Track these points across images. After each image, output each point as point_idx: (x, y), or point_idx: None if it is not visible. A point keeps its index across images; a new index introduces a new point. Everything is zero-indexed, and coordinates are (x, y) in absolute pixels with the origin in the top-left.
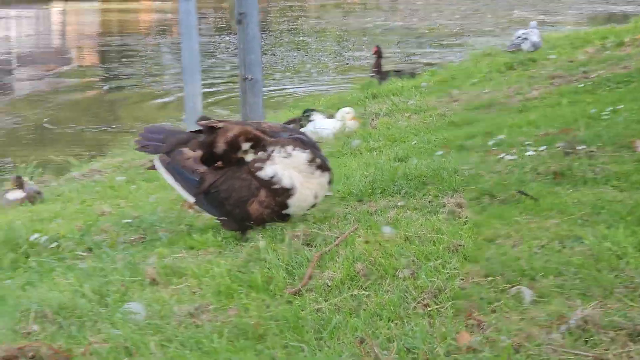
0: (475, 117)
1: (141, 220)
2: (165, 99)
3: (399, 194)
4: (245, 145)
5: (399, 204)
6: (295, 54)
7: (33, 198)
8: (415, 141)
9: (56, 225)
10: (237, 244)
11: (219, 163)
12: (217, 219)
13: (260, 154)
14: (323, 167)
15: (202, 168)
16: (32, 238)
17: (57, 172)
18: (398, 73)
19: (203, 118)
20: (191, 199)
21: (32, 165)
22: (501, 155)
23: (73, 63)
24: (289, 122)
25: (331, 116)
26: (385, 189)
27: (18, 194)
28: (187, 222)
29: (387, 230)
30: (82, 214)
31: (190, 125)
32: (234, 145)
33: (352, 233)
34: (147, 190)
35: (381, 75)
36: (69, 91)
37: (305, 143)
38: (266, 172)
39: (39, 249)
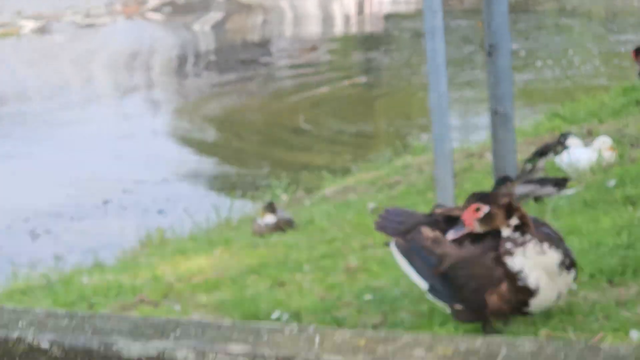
0: None
1: (383, 296)
2: (424, 94)
3: None
4: (514, 220)
5: None
6: (557, 39)
7: (285, 224)
8: None
9: (299, 295)
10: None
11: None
12: (450, 309)
13: (517, 235)
14: (569, 266)
15: (442, 249)
16: (273, 317)
17: (309, 187)
18: None
19: (438, 206)
20: (424, 286)
21: (285, 183)
22: None
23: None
24: (544, 148)
25: (586, 141)
26: (637, 269)
27: (269, 219)
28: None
29: (635, 335)
30: (330, 260)
31: (440, 162)
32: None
33: (597, 341)
34: None
35: None
36: (326, 82)
37: (554, 239)
38: (514, 262)
39: None
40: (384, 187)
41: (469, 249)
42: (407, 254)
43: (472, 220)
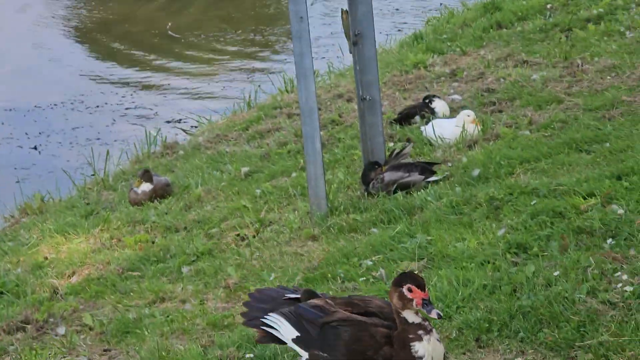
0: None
1: (262, 353)
2: None
3: (516, 337)
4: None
5: None
6: None
7: (161, 191)
8: (535, 201)
9: (181, 331)
10: None
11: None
12: (309, 356)
13: (427, 323)
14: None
15: (335, 309)
16: None
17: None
18: None
19: (308, 292)
20: (291, 335)
21: (158, 131)
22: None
23: None
24: (410, 109)
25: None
26: (502, 327)
27: (146, 187)
28: None
29: None
30: (209, 263)
31: (310, 160)
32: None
33: None
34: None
35: None
36: None
37: None
38: (420, 348)
39: None
40: (255, 137)
41: (363, 318)
42: (289, 313)
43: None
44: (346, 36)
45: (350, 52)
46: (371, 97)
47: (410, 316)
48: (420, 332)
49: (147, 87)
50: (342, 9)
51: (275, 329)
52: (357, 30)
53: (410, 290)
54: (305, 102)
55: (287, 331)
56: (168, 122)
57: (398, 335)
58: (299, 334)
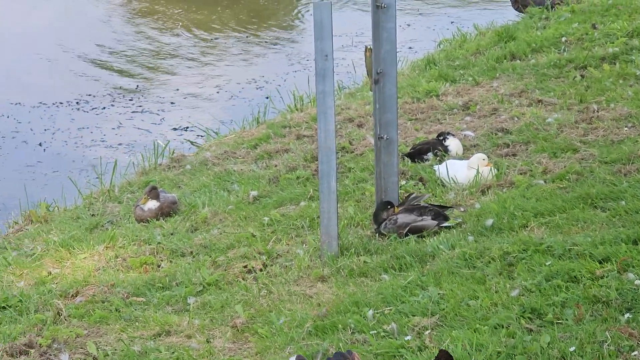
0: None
1: None
2: None
3: None
4: None
5: None
6: None
7: (168, 209)
8: (550, 262)
9: None
10: None
11: None
12: None
13: None
14: None
15: None
16: None
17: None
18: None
19: None
20: None
21: (167, 144)
22: None
23: None
24: (424, 145)
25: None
26: None
27: (152, 204)
28: None
29: None
30: (216, 297)
31: (324, 197)
32: None
33: None
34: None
35: (521, 2)
36: None
37: None
38: None
39: None
40: (264, 156)
41: None
42: None
43: None
44: (368, 74)
45: (371, 90)
46: (389, 136)
47: None
48: None
49: (154, 90)
50: (366, 46)
51: None
52: (379, 68)
53: None
54: (324, 141)
55: None
56: (175, 129)
57: None
58: None
